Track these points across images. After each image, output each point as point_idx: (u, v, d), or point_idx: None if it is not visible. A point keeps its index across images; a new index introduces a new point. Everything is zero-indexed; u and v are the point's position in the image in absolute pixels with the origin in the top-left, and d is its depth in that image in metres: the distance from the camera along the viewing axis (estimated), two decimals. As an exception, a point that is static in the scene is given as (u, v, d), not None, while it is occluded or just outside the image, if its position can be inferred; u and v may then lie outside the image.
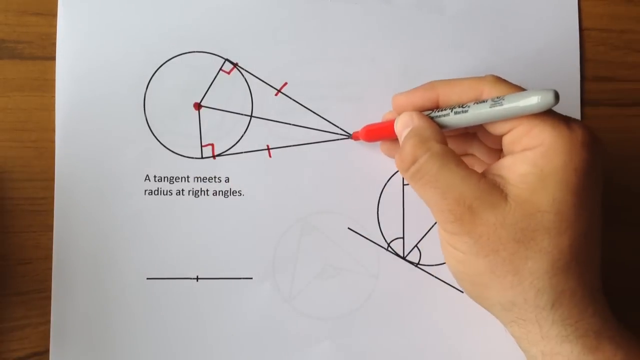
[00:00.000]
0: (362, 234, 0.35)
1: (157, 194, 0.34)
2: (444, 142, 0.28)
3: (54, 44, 0.34)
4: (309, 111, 0.35)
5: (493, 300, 0.27)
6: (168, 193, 0.34)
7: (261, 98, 0.35)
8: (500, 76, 0.28)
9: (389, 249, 0.35)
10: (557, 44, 0.37)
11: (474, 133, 0.32)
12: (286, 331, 0.34)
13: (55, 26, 0.34)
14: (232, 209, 0.34)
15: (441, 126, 0.29)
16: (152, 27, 0.34)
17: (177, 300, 0.33)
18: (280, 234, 0.34)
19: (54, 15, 0.34)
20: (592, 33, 0.37)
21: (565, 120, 0.26)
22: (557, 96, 0.24)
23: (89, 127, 0.34)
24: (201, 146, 0.34)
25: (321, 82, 0.35)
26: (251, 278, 0.34)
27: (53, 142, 0.33)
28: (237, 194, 0.34)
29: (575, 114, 0.36)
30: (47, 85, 0.34)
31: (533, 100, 0.25)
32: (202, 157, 0.34)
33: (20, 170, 0.33)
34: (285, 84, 0.35)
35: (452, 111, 0.28)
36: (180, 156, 0.34)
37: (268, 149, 0.35)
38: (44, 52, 0.34)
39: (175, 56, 0.34)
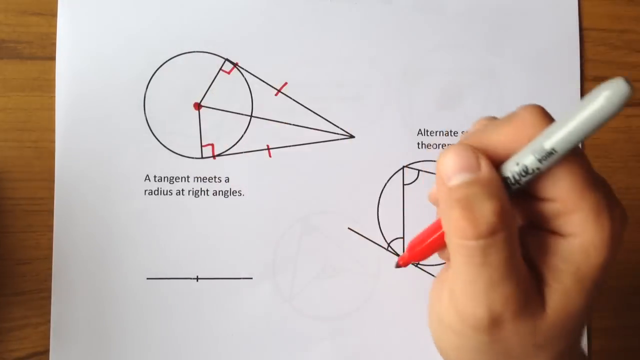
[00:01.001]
0: (362, 234, 0.35)
1: (157, 194, 0.34)
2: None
3: (54, 44, 0.34)
4: (309, 111, 0.35)
5: None
6: (168, 193, 0.34)
7: (261, 98, 0.35)
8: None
9: (389, 249, 0.35)
10: (557, 44, 0.37)
11: None
12: (286, 331, 0.34)
13: (55, 26, 0.34)
14: (232, 209, 0.34)
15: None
16: (152, 27, 0.34)
17: (177, 300, 0.33)
18: (280, 234, 0.34)
19: (54, 15, 0.34)
20: (592, 33, 0.37)
21: (609, 203, 0.21)
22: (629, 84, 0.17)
23: (89, 127, 0.34)
24: (201, 146, 0.34)
25: (321, 82, 0.35)
26: (251, 278, 0.34)
27: (53, 142, 0.33)
28: (237, 194, 0.34)
29: (575, 114, 0.36)
30: (47, 85, 0.34)
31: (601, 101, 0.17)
32: (202, 157, 0.34)
33: (20, 170, 0.33)
34: (285, 84, 0.35)
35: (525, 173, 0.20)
36: (180, 156, 0.34)
37: (268, 149, 0.35)
38: (44, 52, 0.34)
39: (175, 56, 0.34)
